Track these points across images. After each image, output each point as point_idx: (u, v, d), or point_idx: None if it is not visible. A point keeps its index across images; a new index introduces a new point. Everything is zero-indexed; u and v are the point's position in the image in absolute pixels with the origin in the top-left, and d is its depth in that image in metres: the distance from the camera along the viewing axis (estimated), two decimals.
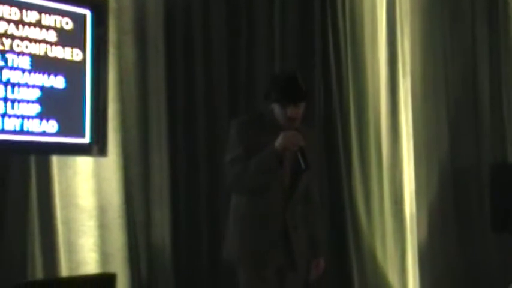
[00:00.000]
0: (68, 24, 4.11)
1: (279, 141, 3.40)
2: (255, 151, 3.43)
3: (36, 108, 3.98)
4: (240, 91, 5.06)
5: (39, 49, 3.99)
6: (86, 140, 4.22)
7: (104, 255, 4.37)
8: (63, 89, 4.09)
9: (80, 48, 4.16)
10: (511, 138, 6.39)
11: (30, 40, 3.96)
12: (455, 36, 6.37)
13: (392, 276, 5.66)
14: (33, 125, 3.96)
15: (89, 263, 4.30)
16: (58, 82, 4.06)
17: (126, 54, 4.57)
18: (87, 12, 4.19)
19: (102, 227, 4.38)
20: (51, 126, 4.04)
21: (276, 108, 3.51)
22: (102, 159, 4.37)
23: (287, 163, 3.49)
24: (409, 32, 6.09)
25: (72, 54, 4.13)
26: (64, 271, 4.16)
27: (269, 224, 3.52)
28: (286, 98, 3.45)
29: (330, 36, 5.47)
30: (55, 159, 4.16)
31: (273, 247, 3.52)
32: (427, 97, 6.15)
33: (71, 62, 4.12)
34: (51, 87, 4.03)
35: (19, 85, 3.92)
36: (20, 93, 3.92)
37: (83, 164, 4.32)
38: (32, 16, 3.98)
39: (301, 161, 3.42)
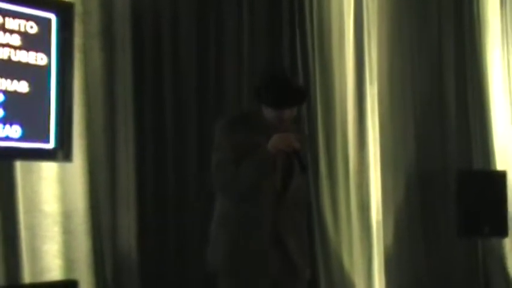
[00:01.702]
0: (32, 28, 4.06)
1: (272, 143, 3.24)
2: (243, 152, 3.25)
3: None
4: (208, 95, 5.04)
5: (2, 53, 3.93)
6: (51, 145, 4.17)
7: (68, 261, 4.32)
8: (28, 94, 4.04)
9: (44, 53, 4.11)
10: (476, 144, 6.46)
11: None
12: (422, 44, 6.44)
13: (359, 282, 5.68)
14: None
15: (54, 270, 4.25)
16: (22, 86, 4.01)
17: (92, 58, 4.53)
18: (52, 16, 4.14)
19: (67, 232, 4.34)
20: (15, 131, 3.99)
21: (266, 108, 3.32)
22: (67, 164, 4.33)
23: (279, 165, 3.34)
24: (376, 39, 6.12)
25: (36, 58, 4.08)
26: (27, 277, 4.10)
27: (260, 229, 3.32)
28: (280, 101, 3.27)
29: (298, 42, 5.48)
30: (19, 164, 4.11)
31: (265, 255, 3.32)
32: (394, 103, 6.19)
33: (36, 67, 4.08)
34: (15, 92, 3.98)
35: None
36: None
37: (48, 169, 4.27)
38: None
39: (299, 164, 3.28)
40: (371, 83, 6.01)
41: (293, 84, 3.33)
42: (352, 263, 5.67)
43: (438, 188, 6.28)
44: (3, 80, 3.94)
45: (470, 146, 6.45)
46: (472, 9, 6.60)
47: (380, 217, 5.89)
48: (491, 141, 6.49)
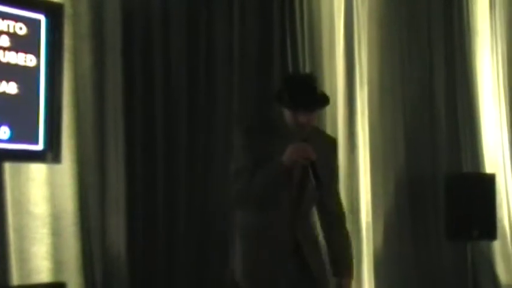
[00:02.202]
0: (21, 29, 4.05)
1: (287, 155, 3.15)
2: (263, 160, 3.19)
3: None
4: (199, 95, 5.04)
5: None
6: (40, 146, 4.15)
7: (57, 263, 4.31)
8: (17, 95, 4.02)
9: (34, 54, 4.09)
10: (466, 148, 6.48)
11: None
12: (412, 47, 6.45)
13: None
14: None
15: (42, 271, 4.23)
16: (11, 88, 3.99)
17: (82, 59, 4.53)
18: (41, 18, 4.13)
19: (56, 234, 4.33)
20: (4, 132, 3.97)
21: (287, 112, 3.24)
22: (56, 166, 4.31)
23: (296, 176, 3.27)
24: (366, 42, 6.14)
25: (25, 59, 4.06)
26: (16, 279, 4.09)
27: (277, 239, 3.28)
28: (298, 104, 3.17)
29: (288, 45, 5.48)
30: (8, 166, 4.10)
31: (284, 264, 3.29)
32: (383, 107, 6.20)
33: (25, 68, 4.06)
34: (4, 93, 3.96)
35: None
36: None
37: (37, 170, 4.26)
38: None
39: (312, 177, 3.17)
40: (361, 87, 6.02)
41: (313, 88, 3.22)
42: None
43: (428, 191, 6.30)
44: None
45: (460, 149, 6.47)
46: (461, 14, 6.62)
47: (370, 220, 5.89)
48: (480, 144, 6.52)
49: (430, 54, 6.54)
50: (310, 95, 3.20)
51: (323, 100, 3.29)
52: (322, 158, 3.25)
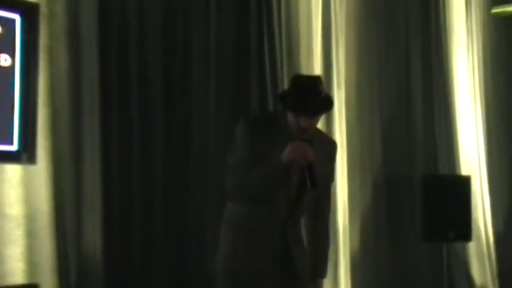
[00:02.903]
0: None
1: (286, 154, 3.10)
2: (262, 157, 3.14)
3: None
4: (175, 94, 5.02)
5: None
6: (14, 147, 4.12)
7: (32, 264, 4.27)
8: None
9: (8, 54, 4.06)
10: (442, 150, 6.52)
11: None
12: (390, 48, 6.49)
13: (326, 286, 5.67)
14: None
15: (17, 273, 4.19)
16: None
17: (58, 59, 4.48)
18: (16, 17, 4.09)
19: (31, 236, 4.28)
20: None
21: (289, 114, 3.18)
22: (31, 167, 4.28)
23: (294, 175, 3.22)
24: (344, 43, 6.15)
25: (0, 59, 4.03)
26: None
27: (268, 238, 3.24)
28: (301, 108, 3.12)
29: (266, 47, 5.47)
30: None
31: (270, 264, 3.24)
32: (361, 108, 6.23)
33: None
34: None
35: None
36: None
37: (11, 171, 4.21)
38: None
39: (308, 178, 3.13)
40: (338, 87, 6.03)
41: (318, 92, 3.16)
42: None
43: (404, 192, 6.33)
44: None
45: (436, 150, 6.51)
46: (438, 14, 6.67)
47: (346, 221, 5.91)
48: (457, 146, 6.57)
49: (407, 55, 6.58)
50: (314, 100, 3.14)
51: (326, 104, 3.23)
52: (321, 160, 3.22)
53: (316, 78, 3.29)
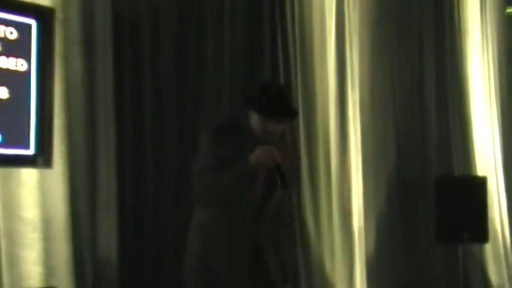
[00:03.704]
0: (12, 34, 4.03)
1: (254, 156, 3.17)
2: (228, 163, 3.19)
3: None
4: (188, 101, 5.04)
5: None
6: (31, 151, 4.14)
7: (48, 268, 4.29)
8: (7, 100, 4.00)
9: (25, 59, 4.08)
10: (456, 151, 6.50)
11: None
12: (403, 50, 6.47)
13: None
14: None
15: (33, 277, 4.21)
16: (2, 92, 3.97)
17: (73, 64, 4.50)
18: (32, 22, 4.11)
19: (47, 239, 4.30)
20: None
21: (255, 118, 3.28)
22: (47, 171, 4.30)
23: (261, 178, 3.27)
24: (357, 44, 6.14)
25: (16, 64, 4.05)
26: (6, 285, 4.07)
27: (237, 242, 3.27)
28: (271, 112, 3.23)
29: (280, 49, 5.48)
30: None
31: (241, 268, 3.27)
32: (375, 110, 6.21)
33: (15, 73, 4.04)
34: None
35: None
36: None
37: (28, 175, 4.24)
38: None
39: (278, 179, 3.19)
40: (352, 89, 6.02)
41: (286, 99, 3.28)
42: (334, 269, 5.67)
43: (419, 194, 6.31)
44: None
45: (451, 151, 6.49)
46: (452, 16, 6.65)
47: (362, 223, 5.90)
48: (472, 146, 6.54)
49: (420, 57, 6.56)
50: (283, 106, 3.26)
51: (294, 113, 3.39)
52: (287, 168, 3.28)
53: (286, 87, 3.45)
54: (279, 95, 3.26)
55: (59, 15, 4.34)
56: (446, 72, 6.57)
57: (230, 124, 3.45)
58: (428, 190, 6.19)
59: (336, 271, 5.69)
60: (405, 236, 6.17)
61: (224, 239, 3.28)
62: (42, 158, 4.20)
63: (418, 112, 6.46)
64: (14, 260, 4.14)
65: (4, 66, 4.00)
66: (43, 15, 4.16)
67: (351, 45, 6.06)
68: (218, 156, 3.23)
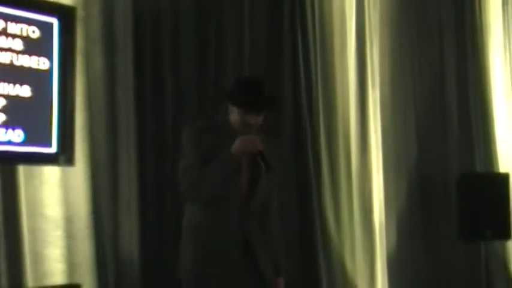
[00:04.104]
0: (34, 32, 4.08)
1: (236, 145, 3.23)
2: (209, 157, 3.24)
3: (1, 117, 3.93)
4: (208, 99, 5.05)
5: (4, 58, 3.95)
6: (53, 149, 4.18)
7: (70, 265, 4.33)
8: (30, 98, 4.05)
9: (46, 57, 4.13)
10: (478, 148, 6.45)
11: None
12: (424, 47, 6.44)
13: (362, 285, 5.67)
14: None
15: (56, 274, 4.25)
16: (24, 91, 4.02)
17: (94, 62, 4.54)
18: (54, 21, 4.16)
19: (69, 237, 4.34)
20: (17, 135, 4.00)
21: (234, 111, 3.32)
22: (69, 169, 4.34)
23: (245, 168, 3.32)
24: (378, 43, 6.12)
25: (38, 62, 4.09)
26: (30, 282, 4.11)
27: (228, 239, 3.29)
28: (248, 104, 3.28)
29: (300, 46, 5.48)
30: (21, 169, 4.12)
31: (232, 265, 3.29)
32: (395, 107, 6.19)
33: (38, 71, 4.09)
34: (17, 96, 3.99)
35: None
36: None
37: (50, 173, 4.28)
38: None
39: (262, 163, 3.26)
40: (373, 87, 6.01)
41: (264, 91, 3.33)
42: (355, 266, 5.66)
43: (440, 190, 6.27)
44: (5, 84, 3.95)
45: (473, 148, 6.43)
46: (473, 12, 6.60)
47: (383, 220, 5.88)
48: (494, 143, 6.48)
49: (441, 54, 6.52)
50: (260, 97, 3.31)
51: (272, 103, 3.43)
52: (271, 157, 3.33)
53: (261, 79, 3.46)
54: (255, 87, 3.33)
55: (80, 14, 4.38)
56: (467, 69, 6.52)
57: (208, 121, 3.52)
58: (450, 187, 6.15)
59: (357, 268, 5.68)
60: (427, 233, 6.13)
61: (214, 237, 3.30)
62: (64, 156, 4.24)
63: (439, 109, 6.41)
64: (37, 258, 4.19)
65: (27, 65, 4.05)
66: (65, 14, 4.21)
67: (371, 44, 6.05)
68: (201, 153, 3.28)
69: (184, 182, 3.31)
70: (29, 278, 4.10)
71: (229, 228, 3.30)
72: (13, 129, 3.98)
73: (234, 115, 3.33)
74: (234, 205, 3.32)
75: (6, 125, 3.95)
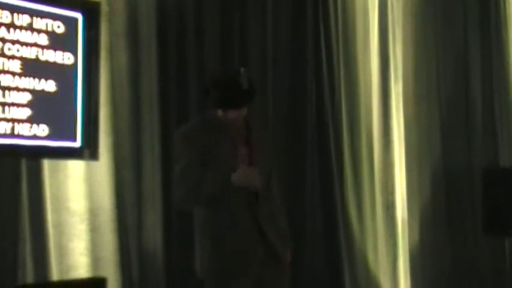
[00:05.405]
0: (59, 27, 4.10)
1: (236, 178, 3.26)
2: (208, 156, 3.30)
3: (27, 112, 3.97)
4: None
5: (30, 53, 3.98)
6: (78, 143, 4.21)
7: (95, 259, 4.36)
8: (55, 93, 4.08)
9: (71, 52, 4.16)
10: (503, 142, 6.40)
11: (22, 44, 3.96)
12: (448, 41, 6.39)
13: (384, 281, 5.66)
14: (23, 129, 3.95)
15: (80, 267, 4.29)
16: (49, 86, 4.05)
17: (118, 57, 4.56)
18: (78, 16, 4.18)
19: (94, 230, 4.37)
20: (42, 130, 4.03)
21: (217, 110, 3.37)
22: (93, 163, 4.36)
23: (243, 150, 3.38)
24: (401, 37, 6.09)
25: (63, 57, 4.12)
26: (55, 275, 4.15)
27: (240, 229, 3.35)
28: (227, 104, 3.31)
29: (322, 40, 5.47)
30: (46, 163, 4.16)
31: (247, 252, 3.35)
32: (418, 102, 6.15)
33: (62, 66, 4.12)
34: (42, 91, 4.02)
35: (10, 89, 3.91)
36: (11, 97, 3.91)
37: (75, 167, 4.31)
38: (23, 19, 3.97)
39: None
40: (396, 81, 5.99)
41: (238, 86, 3.29)
42: (377, 261, 5.66)
43: (464, 186, 6.23)
44: (30, 79, 3.98)
45: (497, 142, 6.38)
46: (498, 6, 6.53)
47: (405, 216, 5.87)
48: None
49: (465, 47, 6.46)
50: (238, 93, 3.28)
51: (250, 95, 3.35)
52: (263, 143, 3.47)
53: (236, 72, 3.36)
54: (231, 84, 3.29)
55: (104, 9, 4.39)
56: (492, 62, 6.45)
57: (198, 122, 3.52)
58: (473, 182, 6.11)
59: (379, 264, 5.67)
60: (451, 229, 6.09)
61: (227, 232, 3.36)
62: (88, 151, 4.28)
63: (463, 103, 6.36)
64: (62, 251, 4.22)
65: (51, 60, 4.08)
66: (89, 9, 4.24)
67: (394, 37, 6.02)
68: (195, 152, 3.31)
69: (180, 187, 3.33)
70: (54, 272, 4.14)
71: (239, 219, 3.35)
72: (38, 123, 4.02)
73: (218, 111, 3.35)
74: (243, 198, 3.35)
75: (32, 119, 3.99)
